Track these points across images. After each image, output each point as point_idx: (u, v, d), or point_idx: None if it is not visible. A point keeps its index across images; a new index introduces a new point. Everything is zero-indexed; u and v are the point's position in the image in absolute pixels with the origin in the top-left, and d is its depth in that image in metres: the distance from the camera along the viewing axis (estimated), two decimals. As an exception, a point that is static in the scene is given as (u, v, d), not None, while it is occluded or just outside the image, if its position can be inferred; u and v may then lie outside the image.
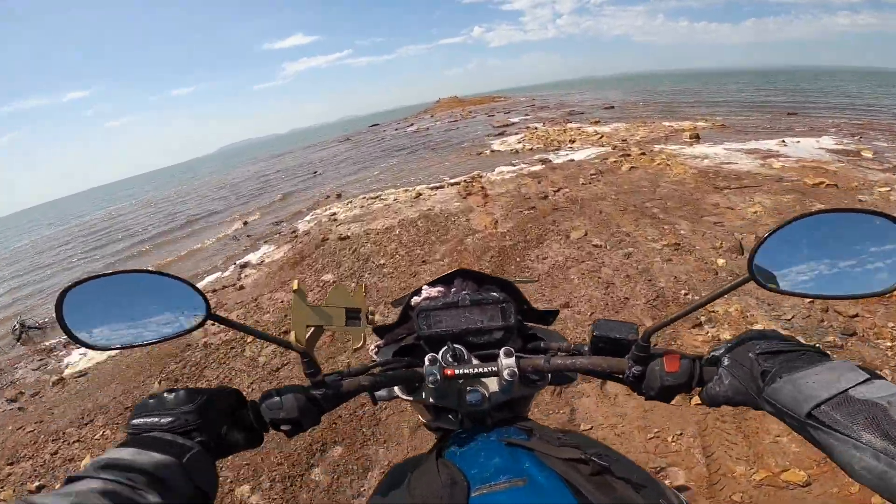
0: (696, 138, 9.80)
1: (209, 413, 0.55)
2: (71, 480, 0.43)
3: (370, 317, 0.77)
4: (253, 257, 6.75)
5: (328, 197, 10.45)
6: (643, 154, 8.12)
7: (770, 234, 0.48)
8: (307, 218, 8.72)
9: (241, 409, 0.61)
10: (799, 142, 8.82)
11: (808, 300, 2.92)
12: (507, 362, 0.65)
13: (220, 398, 0.58)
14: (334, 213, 8.38)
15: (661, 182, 6.21)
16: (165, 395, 0.55)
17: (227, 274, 6.29)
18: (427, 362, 0.68)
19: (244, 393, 0.62)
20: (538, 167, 8.09)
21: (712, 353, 0.57)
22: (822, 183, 5.47)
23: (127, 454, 0.47)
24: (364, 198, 9.08)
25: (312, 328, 0.71)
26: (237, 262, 6.60)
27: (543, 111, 21.98)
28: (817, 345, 0.66)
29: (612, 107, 20.76)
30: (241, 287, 5.40)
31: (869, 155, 7.43)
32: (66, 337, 0.56)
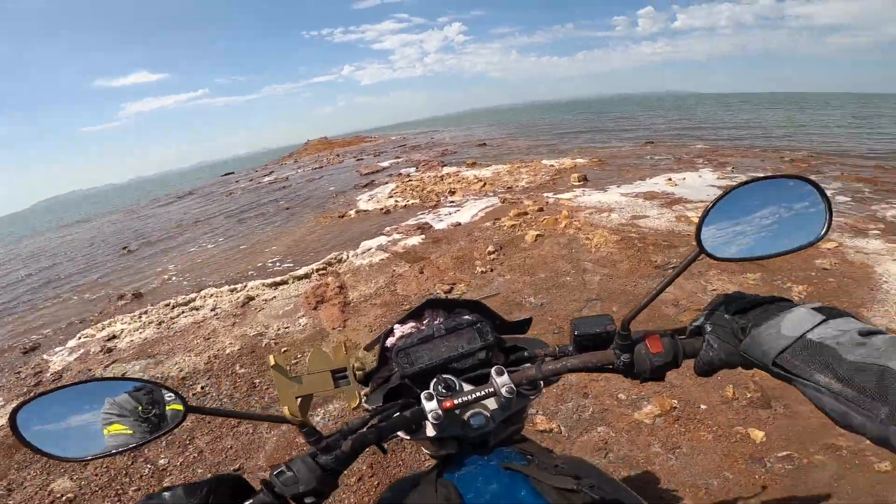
0: (585, 180, 8.85)
1: None
2: None
3: (358, 373, 0.72)
4: None
5: (122, 297, 7.09)
6: (540, 210, 6.62)
7: (709, 210, 0.51)
8: (71, 344, 5.42)
9: (244, 494, 0.58)
10: (684, 178, 8.29)
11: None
12: (501, 380, 0.65)
13: (221, 487, 0.57)
14: (114, 336, 5.28)
15: (583, 260, 4.59)
16: (164, 494, 0.53)
17: None
18: (424, 399, 0.66)
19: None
20: (417, 238, 6.06)
21: (693, 324, 0.59)
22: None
23: None
24: (169, 304, 6.05)
25: (301, 398, 0.66)
26: None
27: (416, 152, 20.61)
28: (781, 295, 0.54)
29: (484, 144, 20.29)
30: None
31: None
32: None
